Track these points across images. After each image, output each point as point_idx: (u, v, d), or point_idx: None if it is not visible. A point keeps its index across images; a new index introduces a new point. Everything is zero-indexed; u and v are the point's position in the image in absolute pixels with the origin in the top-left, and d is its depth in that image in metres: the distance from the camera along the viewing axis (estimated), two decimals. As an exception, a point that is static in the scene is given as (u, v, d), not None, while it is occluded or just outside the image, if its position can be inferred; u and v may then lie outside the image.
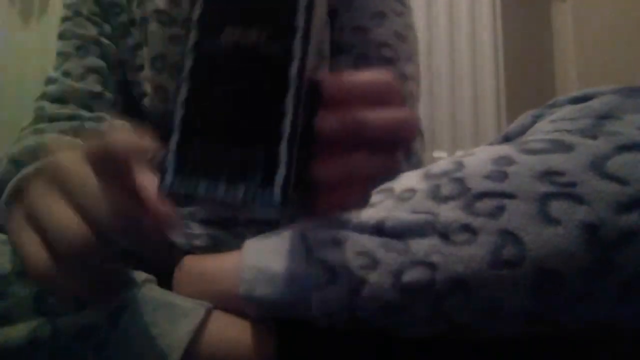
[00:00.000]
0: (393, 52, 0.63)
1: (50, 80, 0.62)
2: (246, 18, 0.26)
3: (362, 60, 0.63)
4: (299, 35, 0.26)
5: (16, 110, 1.72)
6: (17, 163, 0.48)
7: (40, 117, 0.60)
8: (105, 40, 0.65)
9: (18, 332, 0.36)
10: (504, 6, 1.86)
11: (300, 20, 0.26)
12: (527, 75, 1.89)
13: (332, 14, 0.64)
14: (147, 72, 0.63)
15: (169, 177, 0.26)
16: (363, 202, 0.32)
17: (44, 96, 0.61)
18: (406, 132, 0.30)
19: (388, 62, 0.63)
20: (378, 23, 0.64)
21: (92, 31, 0.65)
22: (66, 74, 0.63)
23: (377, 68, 0.63)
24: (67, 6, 0.67)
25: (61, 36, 0.66)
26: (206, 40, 0.26)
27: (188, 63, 0.26)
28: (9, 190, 0.45)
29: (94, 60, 0.64)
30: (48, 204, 0.31)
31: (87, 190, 0.30)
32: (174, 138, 0.26)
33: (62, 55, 0.64)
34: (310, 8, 0.26)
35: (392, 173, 0.32)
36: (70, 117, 0.60)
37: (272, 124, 0.25)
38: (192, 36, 0.26)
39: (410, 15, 0.68)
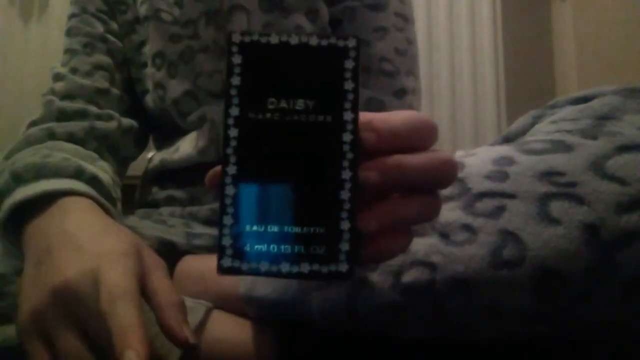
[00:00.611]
0: (393, 67, 0.64)
1: (58, 77, 0.63)
2: (291, 88, 0.25)
3: (364, 72, 0.63)
4: (349, 100, 0.25)
5: (16, 110, 1.72)
6: (17, 179, 0.47)
7: (49, 112, 0.61)
8: (111, 38, 0.66)
9: (15, 330, 0.35)
10: (504, 6, 1.86)
11: (349, 86, 0.25)
12: (527, 75, 1.88)
13: (335, 23, 0.65)
14: (149, 69, 0.64)
15: (227, 261, 0.25)
16: (407, 245, 0.31)
17: (52, 92, 0.62)
18: (447, 172, 0.29)
19: (388, 75, 0.64)
20: (379, 37, 0.65)
21: (99, 28, 0.66)
22: (73, 70, 0.63)
23: (377, 81, 0.63)
24: (74, 3, 0.67)
25: (68, 33, 0.66)
26: (250, 111, 0.25)
27: (232, 136, 0.25)
28: (4, 211, 0.45)
29: (100, 57, 0.65)
30: (62, 331, 0.33)
31: (100, 327, 0.32)
32: (228, 219, 0.25)
33: (70, 52, 0.65)
34: (356, 71, 0.25)
35: (435, 214, 0.30)
36: (79, 113, 0.61)
37: (331, 196, 0.25)
38: (234, 108, 0.25)
39: (412, 29, 0.69)
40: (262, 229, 0.25)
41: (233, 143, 0.25)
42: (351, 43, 0.25)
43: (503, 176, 0.35)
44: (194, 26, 0.61)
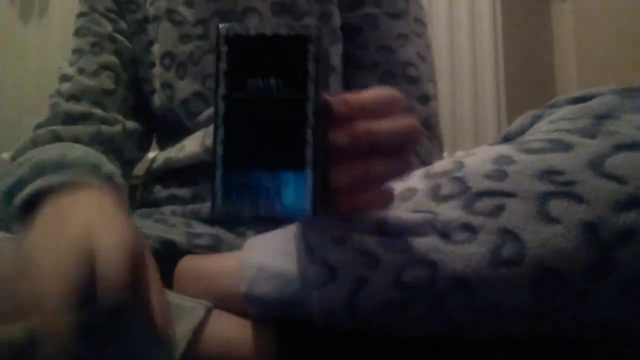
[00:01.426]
0: (417, 72, 0.65)
1: (64, 78, 0.63)
2: (265, 70, 0.32)
3: (388, 78, 0.64)
4: (310, 79, 0.31)
5: (16, 110, 1.72)
6: (38, 171, 0.49)
7: (55, 114, 0.61)
8: (120, 37, 0.66)
9: (17, 330, 0.34)
10: (504, 6, 1.86)
11: (311, 67, 0.31)
12: (527, 75, 1.88)
13: (355, 30, 0.65)
14: (157, 69, 0.64)
15: (218, 205, 0.32)
16: (384, 202, 0.35)
17: (58, 93, 0.62)
18: (410, 135, 0.33)
19: (413, 81, 0.65)
20: (402, 44, 0.65)
21: (107, 27, 0.66)
22: (80, 70, 0.64)
23: (402, 87, 0.64)
24: (82, 1, 0.68)
25: (77, 32, 0.67)
26: (234, 91, 0.32)
27: (221, 110, 0.32)
28: (25, 195, 0.46)
29: (108, 58, 0.65)
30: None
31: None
32: (218, 172, 0.32)
33: (78, 52, 0.66)
34: (317, 56, 0.31)
35: (404, 173, 0.35)
36: (84, 115, 0.61)
37: (297, 153, 0.31)
38: (222, 88, 0.32)
39: (428, 34, 0.70)
40: (245, 180, 0.32)
41: (221, 115, 0.32)
42: (313, 32, 0.32)
43: (502, 175, 0.35)
44: (204, 26, 0.61)
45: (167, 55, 0.63)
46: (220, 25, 0.32)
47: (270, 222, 0.34)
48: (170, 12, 0.63)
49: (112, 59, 0.65)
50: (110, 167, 0.54)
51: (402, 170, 0.34)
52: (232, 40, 0.32)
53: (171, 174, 0.63)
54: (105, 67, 0.64)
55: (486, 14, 1.84)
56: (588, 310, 0.33)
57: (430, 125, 0.67)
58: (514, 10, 1.90)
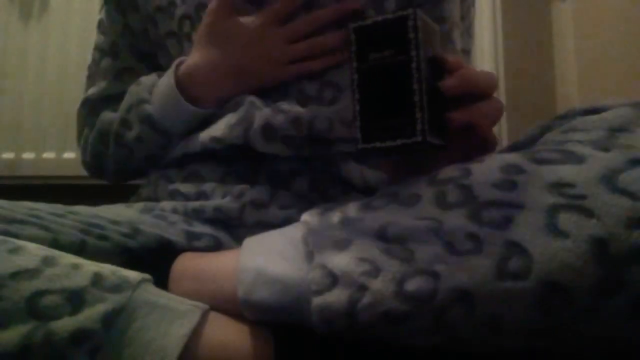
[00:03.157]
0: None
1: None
2: (379, 45, 0.44)
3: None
4: (412, 44, 0.43)
5: (16, 110, 1.72)
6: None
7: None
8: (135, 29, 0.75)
9: (10, 337, 0.34)
10: (504, 6, 1.86)
11: (412, 35, 0.43)
12: (527, 76, 1.88)
13: None
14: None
15: (360, 144, 0.45)
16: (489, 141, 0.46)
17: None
18: (494, 80, 0.47)
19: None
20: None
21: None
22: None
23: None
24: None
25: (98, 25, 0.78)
26: (361, 64, 0.45)
27: (355, 79, 0.45)
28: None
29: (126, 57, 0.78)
30: None
31: None
32: (357, 122, 0.45)
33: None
34: (416, 29, 0.43)
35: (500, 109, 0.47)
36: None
37: (407, 100, 0.43)
38: (354, 63, 0.45)
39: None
40: (375, 123, 0.44)
41: (355, 82, 0.45)
42: (410, 12, 0.43)
43: (511, 185, 0.35)
44: None
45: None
46: (350, 24, 0.45)
47: (395, 153, 0.46)
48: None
49: (131, 59, 0.75)
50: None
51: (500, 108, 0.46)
52: (356, 29, 0.45)
53: (184, 160, 0.62)
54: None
55: (486, 14, 1.83)
56: (595, 327, 0.32)
57: None
58: (514, 10, 1.89)
